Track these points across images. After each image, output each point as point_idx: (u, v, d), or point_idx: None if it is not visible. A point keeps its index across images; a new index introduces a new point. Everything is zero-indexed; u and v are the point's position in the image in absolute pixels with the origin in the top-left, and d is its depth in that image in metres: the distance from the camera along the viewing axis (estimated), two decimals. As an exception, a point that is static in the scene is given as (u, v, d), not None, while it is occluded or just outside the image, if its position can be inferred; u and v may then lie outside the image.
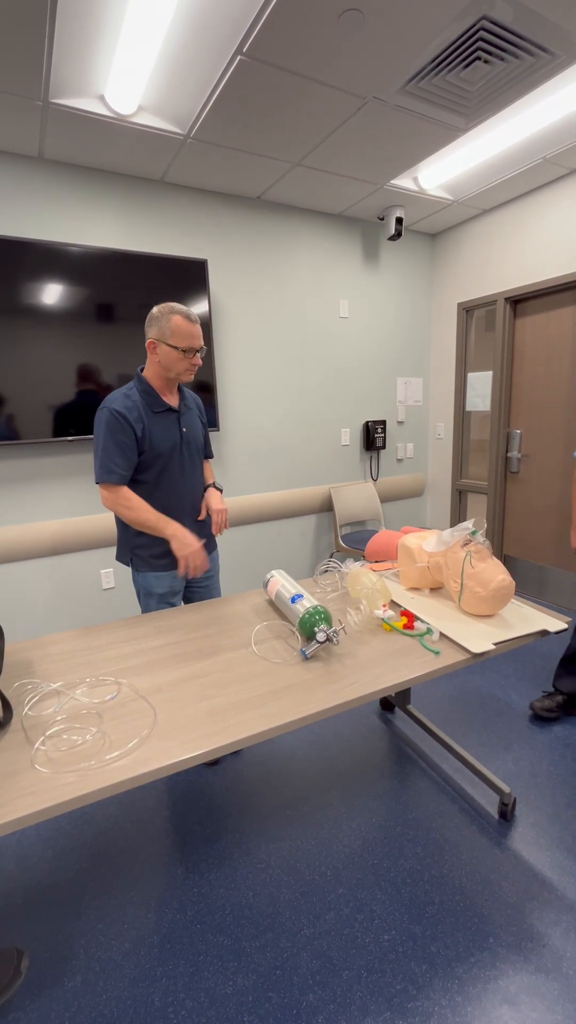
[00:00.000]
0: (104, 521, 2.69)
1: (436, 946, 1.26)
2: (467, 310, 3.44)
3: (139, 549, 1.69)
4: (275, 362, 3.10)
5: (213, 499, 1.80)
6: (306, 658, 1.23)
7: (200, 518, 1.78)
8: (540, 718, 2.11)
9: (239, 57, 1.70)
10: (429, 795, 1.74)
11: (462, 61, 1.74)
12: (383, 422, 3.53)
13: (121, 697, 1.10)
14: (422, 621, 1.38)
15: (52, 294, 2.35)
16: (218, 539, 1.90)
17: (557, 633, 1.34)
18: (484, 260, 3.25)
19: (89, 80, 1.83)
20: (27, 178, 2.32)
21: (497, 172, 2.66)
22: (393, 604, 1.52)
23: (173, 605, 1.76)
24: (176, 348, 1.54)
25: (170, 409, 1.65)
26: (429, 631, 1.33)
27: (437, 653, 1.24)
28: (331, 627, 1.25)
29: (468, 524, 1.46)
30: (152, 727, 0.99)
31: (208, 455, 1.90)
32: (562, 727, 2.06)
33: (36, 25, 1.55)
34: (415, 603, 1.51)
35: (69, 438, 2.49)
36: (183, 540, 1.58)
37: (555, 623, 1.36)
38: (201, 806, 1.72)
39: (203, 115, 2.03)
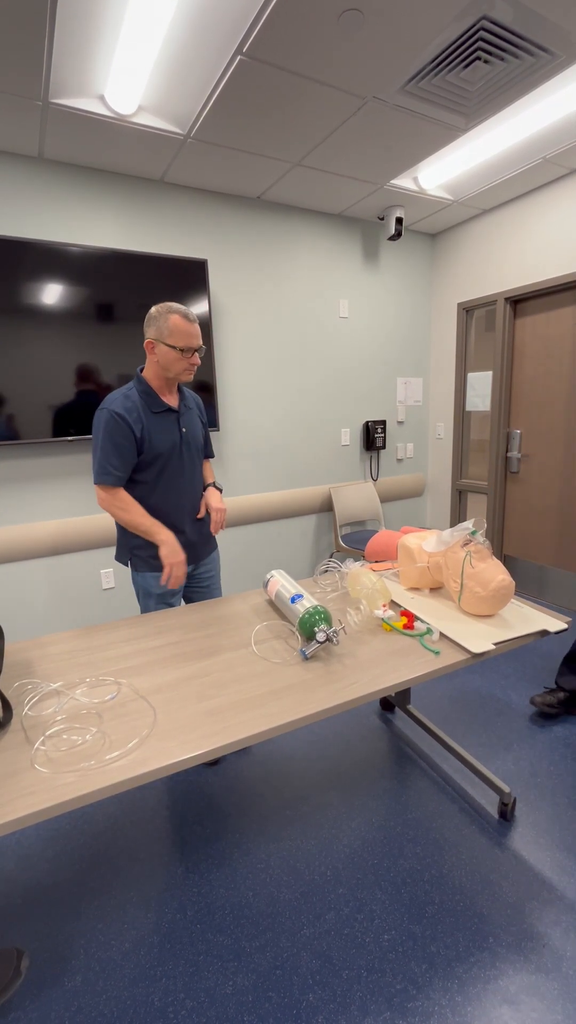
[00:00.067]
0: (104, 521, 2.69)
1: (436, 946, 1.26)
2: (467, 310, 3.43)
3: (138, 549, 1.69)
4: (275, 362, 3.10)
5: (212, 498, 1.80)
6: (306, 658, 1.23)
7: (199, 516, 1.78)
8: (541, 713, 2.11)
9: (239, 57, 1.70)
10: (429, 795, 1.74)
11: (462, 61, 1.74)
12: (383, 422, 3.53)
13: (121, 697, 1.10)
14: (422, 621, 1.38)
15: (52, 294, 2.35)
16: (218, 539, 1.90)
17: (557, 633, 1.34)
18: (484, 260, 3.25)
19: (89, 80, 1.83)
20: (27, 178, 2.33)
21: (497, 172, 2.66)
22: (393, 604, 1.52)
23: (172, 605, 1.76)
24: (174, 348, 1.54)
25: (169, 409, 1.65)
26: (429, 631, 1.33)
27: (437, 653, 1.24)
28: (331, 627, 1.25)
29: (468, 524, 1.46)
30: (152, 727, 0.99)
31: (208, 455, 1.90)
32: (562, 727, 2.06)
33: (36, 25, 1.55)
34: (415, 603, 1.51)
35: (69, 438, 2.49)
36: (172, 547, 1.59)
37: (555, 623, 1.36)
38: (201, 806, 1.72)
39: (203, 115, 2.03)
